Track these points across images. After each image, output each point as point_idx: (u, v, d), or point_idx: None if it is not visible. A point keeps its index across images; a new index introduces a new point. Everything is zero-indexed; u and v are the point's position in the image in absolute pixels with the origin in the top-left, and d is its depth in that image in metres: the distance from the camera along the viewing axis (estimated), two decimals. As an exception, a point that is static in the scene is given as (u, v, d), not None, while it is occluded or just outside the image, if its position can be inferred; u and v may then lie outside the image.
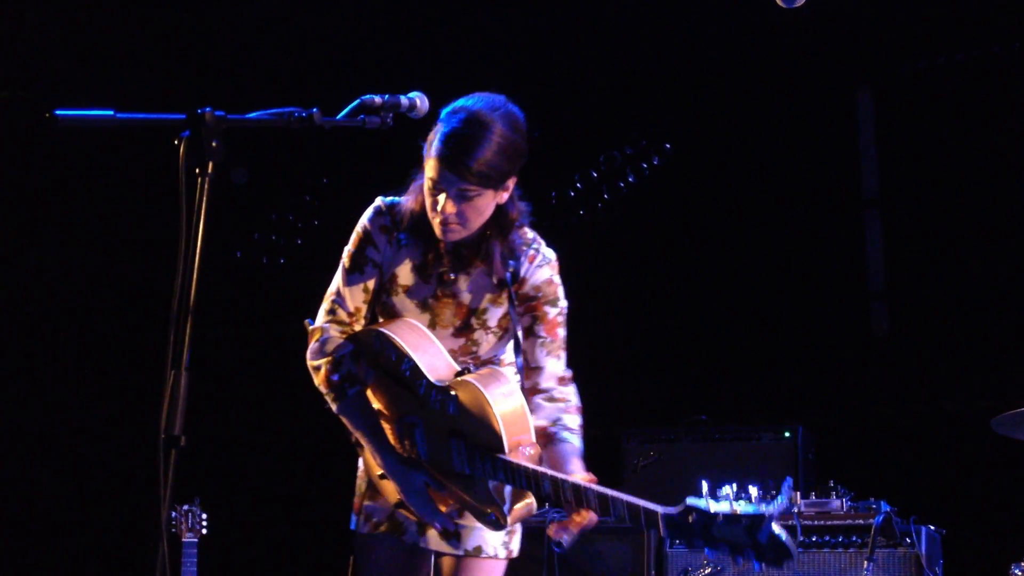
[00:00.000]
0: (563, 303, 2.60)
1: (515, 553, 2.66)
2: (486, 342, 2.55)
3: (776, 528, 2.00)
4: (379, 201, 2.63)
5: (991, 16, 4.93)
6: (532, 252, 2.56)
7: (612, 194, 5.78)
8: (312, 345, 2.59)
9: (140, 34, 5.17)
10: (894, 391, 5.13)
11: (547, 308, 2.56)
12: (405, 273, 2.56)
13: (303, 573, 5.44)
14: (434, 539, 2.58)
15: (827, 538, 3.93)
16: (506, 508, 2.37)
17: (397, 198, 2.61)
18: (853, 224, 5.36)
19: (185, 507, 4.05)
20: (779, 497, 2.15)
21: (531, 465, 2.31)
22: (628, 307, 5.67)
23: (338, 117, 2.57)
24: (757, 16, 5.16)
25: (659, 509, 2.14)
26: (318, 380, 2.57)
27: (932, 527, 3.95)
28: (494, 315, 2.55)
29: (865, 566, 3.76)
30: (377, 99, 2.61)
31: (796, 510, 3.98)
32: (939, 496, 4.50)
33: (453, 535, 2.56)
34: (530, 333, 2.54)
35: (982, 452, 4.48)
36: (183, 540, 4.01)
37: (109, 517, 5.43)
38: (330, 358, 2.53)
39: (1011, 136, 4.98)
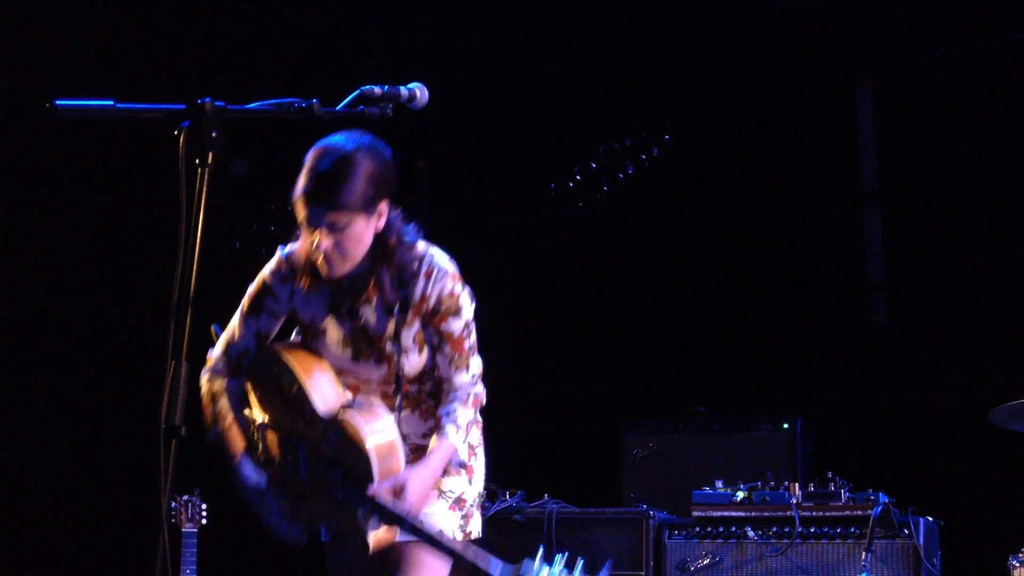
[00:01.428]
0: (467, 314, 2.65)
1: (474, 534, 2.74)
2: (411, 363, 2.62)
3: None
4: (279, 253, 2.71)
5: (991, 8, 4.93)
6: (427, 268, 2.61)
7: (611, 186, 5.78)
8: (207, 367, 2.71)
9: (140, 24, 5.16)
10: (893, 383, 5.13)
11: (451, 323, 2.62)
12: (320, 315, 2.65)
13: (302, 564, 5.44)
14: (399, 533, 2.63)
15: (825, 529, 3.93)
16: (369, 537, 2.56)
17: (295, 245, 2.68)
18: (852, 216, 5.35)
19: (185, 497, 4.05)
20: (602, 573, 2.33)
21: (394, 507, 2.46)
22: (627, 299, 5.67)
23: (338, 108, 2.56)
24: (757, 7, 5.15)
25: (495, 573, 2.36)
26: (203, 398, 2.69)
27: (930, 518, 3.96)
28: (408, 335, 2.61)
29: (863, 557, 3.77)
30: (377, 90, 2.61)
31: (794, 501, 3.99)
32: (937, 487, 4.51)
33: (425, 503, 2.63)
34: (439, 350, 2.63)
35: (980, 444, 4.49)
36: (183, 530, 4.01)
37: (110, 507, 5.44)
38: (210, 390, 2.67)
39: (1011, 128, 4.98)
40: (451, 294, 2.61)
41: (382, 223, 2.56)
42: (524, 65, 5.55)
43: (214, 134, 2.05)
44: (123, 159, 5.38)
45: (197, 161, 2.04)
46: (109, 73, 5.14)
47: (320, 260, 2.54)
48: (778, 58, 5.33)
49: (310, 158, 2.56)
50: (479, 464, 2.77)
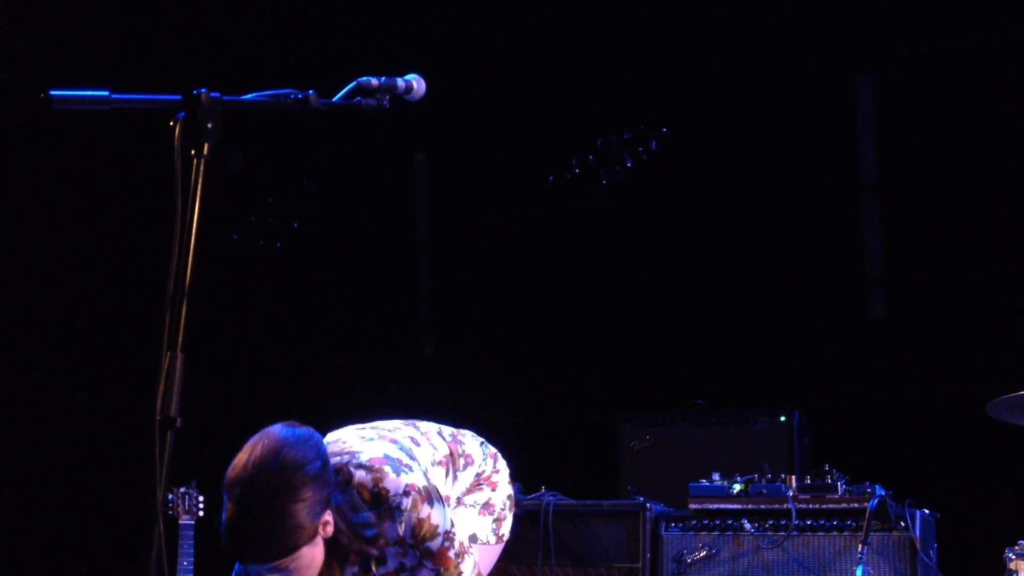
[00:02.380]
0: (444, 526, 2.44)
1: (507, 537, 2.76)
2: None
3: None
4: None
5: (990, 2, 4.92)
6: (386, 510, 2.39)
7: (610, 179, 5.78)
8: None
9: (136, 14, 5.15)
10: (890, 375, 5.13)
11: (429, 545, 2.44)
12: None
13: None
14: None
15: (822, 521, 3.94)
16: None
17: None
18: (851, 209, 5.35)
19: (182, 489, 4.05)
20: None
21: None
22: (624, 291, 5.67)
23: (334, 99, 2.56)
24: (756, 1, 5.14)
25: None
26: None
27: (926, 511, 3.96)
28: (411, 561, 2.48)
29: (859, 550, 3.77)
30: (374, 81, 2.60)
31: (791, 494, 3.99)
32: (934, 480, 4.51)
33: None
34: (421, 566, 2.48)
35: (977, 436, 4.49)
36: (180, 522, 4.02)
37: (106, 499, 5.44)
38: None
39: (1010, 122, 4.97)
40: (419, 522, 2.39)
41: (330, 530, 2.32)
42: (522, 57, 5.55)
43: (210, 125, 2.05)
44: (118, 150, 5.37)
45: (193, 152, 2.04)
46: (104, 63, 5.13)
47: None
48: (777, 51, 5.32)
49: (231, 496, 2.29)
50: (501, 477, 2.77)
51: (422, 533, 2.40)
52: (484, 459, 2.75)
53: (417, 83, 2.65)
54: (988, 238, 5.02)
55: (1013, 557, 3.44)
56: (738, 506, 4.04)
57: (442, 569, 2.47)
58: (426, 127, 5.85)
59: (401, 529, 2.40)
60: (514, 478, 4.39)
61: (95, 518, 5.51)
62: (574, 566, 4.12)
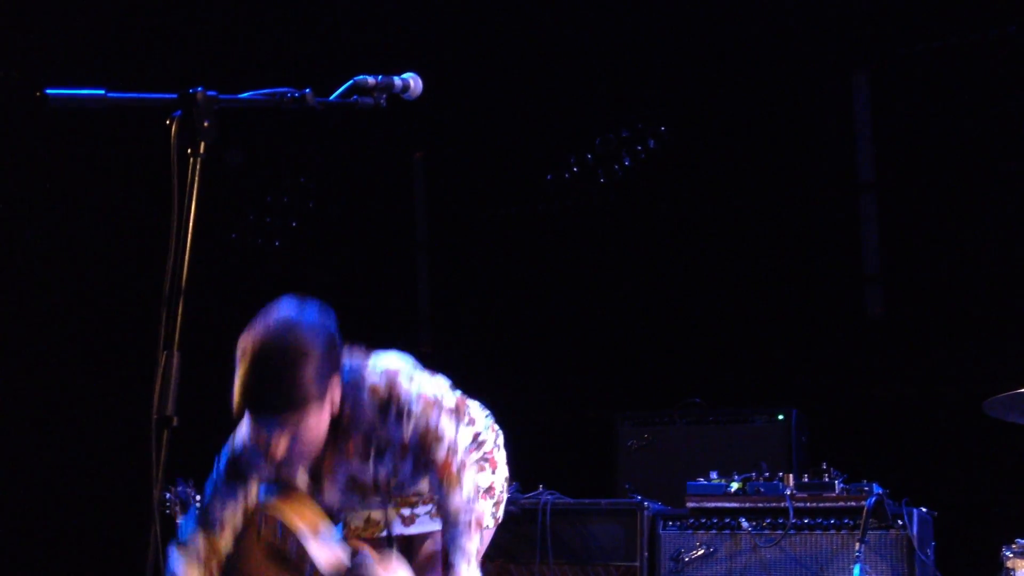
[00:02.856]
0: (449, 435, 2.51)
1: (499, 519, 2.82)
2: (416, 485, 2.59)
3: None
4: (231, 449, 2.59)
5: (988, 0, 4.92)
6: (396, 409, 2.47)
7: (608, 177, 5.78)
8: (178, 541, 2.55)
9: (132, 12, 5.14)
10: (888, 374, 5.14)
11: (434, 452, 2.50)
12: (311, 480, 2.55)
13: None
14: (425, 522, 2.70)
15: (819, 520, 3.94)
16: None
17: (240, 442, 2.56)
18: (848, 207, 5.35)
19: (179, 488, 4.05)
20: None
21: None
22: (622, 290, 5.68)
23: (331, 98, 2.56)
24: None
25: None
26: None
27: (924, 509, 3.96)
28: (405, 467, 2.53)
29: (857, 548, 3.77)
30: (370, 80, 2.60)
31: (788, 492, 3.99)
32: (931, 478, 4.51)
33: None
34: (427, 473, 2.53)
35: (975, 435, 4.49)
36: (177, 521, 4.01)
37: (104, 498, 5.44)
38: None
39: (1007, 120, 4.97)
40: (427, 427, 2.47)
41: (337, 399, 2.42)
42: (520, 56, 5.55)
43: (206, 124, 2.04)
44: (115, 149, 5.37)
45: (189, 151, 2.04)
46: (100, 62, 5.12)
47: (281, 459, 2.42)
48: (774, 50, 5.32)
49: (243, 356, 2.39)
50: (500, 455, 2.82)
51: (428, 439, 2.46)
52: (487, 428, 2.77)
53: (414, 82, 2.65)
54: (986, 236, 5.02)
55: (1010, 555, 3.44)
56: (736, 504, 4.04)
57: (446, 477, 2.50)
58: (424, 126, 5.85)
59: (408, 433, 2.46)
60: (512, 476, 4.42)
61: (92, 517, 5.51)
62: (572, 565, 4.12)
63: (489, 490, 2.75)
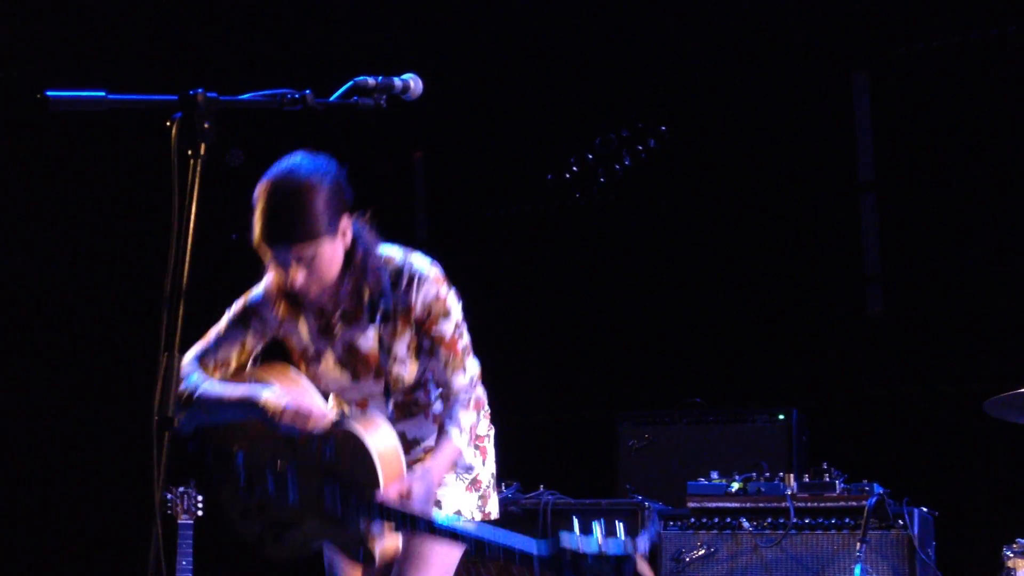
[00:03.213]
0: (456, 315, 2.61)
1: (493, 515, 2.74)
2: (407, 372, 2.60)
3: (641, 567, 2.14)
4: (249, 297, 2.67)
5: (988, -1, 4.92)
6: (408, 275, 2.58)
7: (608, 177, 5.78)
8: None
9: (132, 14, 5.14)
10: (888, 373, 5.13)
11: (442, 326, 2.59)
12: (310, 342, 2.63)
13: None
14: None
15: (820, 520, 3.94)
16: (376, 549, 2.48)
17: (260, 290, 2.65)
18: (848, 207, 5.35)
19: (181, 489, 4.05)
20: (644, 535, 2.26)
21: (404, 508, 2.43)
22: (622, 290, 5.67)
23: (331, 99, 2.56)
24: (753, -1, 5.15)
25: (532, 551, 2.25)
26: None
27: (925, 509, 3.96)
28: (401, 345, 2.59)
29: (858, 548, 3.77)
30: (371, 80, 2.61)
31: (789, 492, 3.99)
32: (932, 478, 4.51)
33: (434, 503, 2.63)
34: (432, 354, 2.60)
35: (975, 435, 4.49)
36: (179, 522, 4.02)
37: (105, 499, 5.44)
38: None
39: (1007, 119, 4.97)
40: (437, 297, 2.58)
41: (348, 239, 2.55)
42: (520, 55, 5.54)
43: (206, 125, 2.05)
44: (115, 150, 5.37)
45: (189, 152, 2.04)
46: (101, 63, 5.12)
47: (300, 289, 2.52)
48: (774, 49, 5.32)
49: (259, 197, 2.52)
50: (491, 446, 2.79)
51: (435, 309, 2.55)
52: (483, 415, 2.75)
53: (414, 82, 2.65)
54: (986, 235, 5.02)
55: (1011, 555, 3.45)
56: (736, 505, 4.05)
57: (451, 356, 2.58)
58: (424, 126, 5.84)
59: (417, 301, 2.55)
60: (512, 477, 4.43)
61: (93, 518, 5.51)
62: (573, 565, 4.12)
63: (475, 483, 2.73)
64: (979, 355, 4.87)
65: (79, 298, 5.66)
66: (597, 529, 2.20)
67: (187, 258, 1.97)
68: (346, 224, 2.54)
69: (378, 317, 2.57)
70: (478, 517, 2.70)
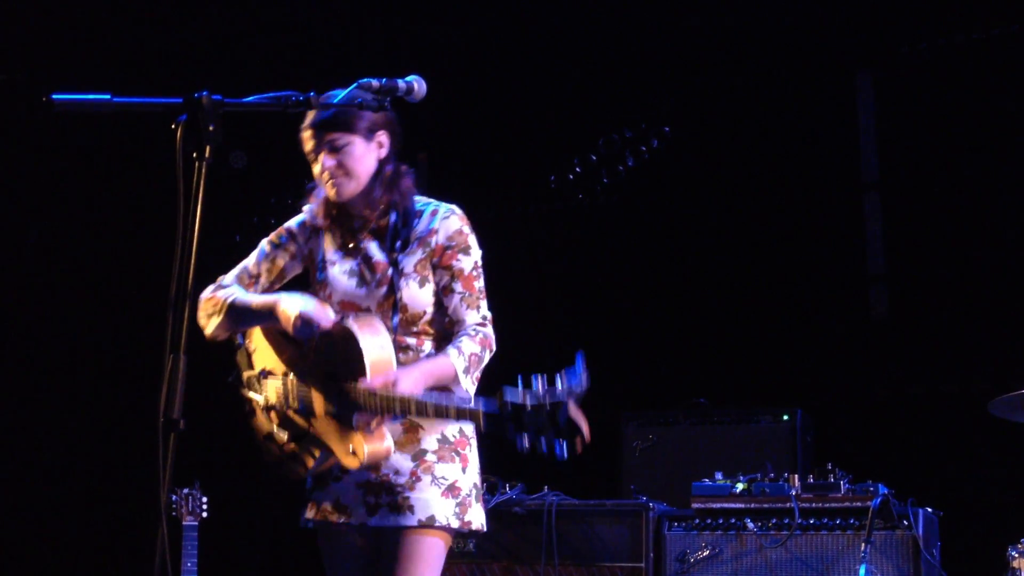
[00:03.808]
0: (476, 252, 2.72)
1: (475, 525, 2.69)
2: (410, 292, 2.67)
3: (572, 411, 2.31)
4: (304, 211, 2.84)
5: (991, -2, 4.92)
6: (433, 207, 2.74)
7: (611, 177, 5.78)
8: (215, 284, 2.83)
9: (138, 17, 5.15)
10: (893, 374, 5.13)
11: (461, 259, 2.69)
12: (330, 253, 2.75)
13: (304, 556, 5.46)
14: (387, 516, 2.63)
15: (824, 520, 3.94)
16: (366, 447, 2.53)
17: (298, 217, 2.85)
18: (852, 207, 5.35)
19: (185, 490, 4.06)
20: (575, 379, 2.39)
21: (382, 391, 2.47)
22: (626, 291, 5.67)
23: (335, 101, 2.58)
24: (757, -1, 5.14)
25: (481, 408, 2.39)
26: (203, 306, 2.79)
27: (929, 509, 3.96)
28: (409, 261, 2.68)
29: (862, 549, 3.77)
30: (374, 83, 2.63)
31: (794, 493, 3.99)
32: (937, 478, 4.51)
33: (405, 507, 2.62)
34: (449, 290, 2.68)
35: (980, 435, 4.49)
36: (184, 523, 4.02)
37: (111, 500, 5.45)
38: (216, 300, 2.78)
39: (1011, 119, 4.97)
40: (460, 231, 2.70)
41: (383, 153, 2.70)
42: (523, 56, 5.55)
43: (211, 128, 2.06)
44: (121, 152, 5.38)
45: (194, 155, 2.05)
46: (106, 66, 5.13)
47: (328, 184, 2.67)
48: (778, 49, 5.32)
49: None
50: (473, 454, 2.74)
51: (456, 241, 2.68)
52: (485, 351, 2.76)
53: (418, 84, 2.67)
54: (990, 235, 5.01)
55: (1016, 555, 3.45)
56: (741, 505, 4.04)
57: (467, 292, 2.67)
58: (428, 127, 5.85)
59: (440, 226, 2.69)
60: (517, 478, 4.42)
61: (100, 519, 5.52)
62: (577, 566, 4.12)
63: (453, 489, 2.66)
64: (984, 355, 4.86)
65: (84, 300, 5.67)
66: (537, 382, 2.36)
67: (192, 260, 1.98)
68: (384, 139, 2.70)
69: (401, 233, 2.69)
70: (455, 524, 2.64)
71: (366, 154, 2.68)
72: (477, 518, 2.70)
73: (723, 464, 4.25)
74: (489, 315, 2.72)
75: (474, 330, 2.67)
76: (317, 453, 2.65)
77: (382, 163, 2.71)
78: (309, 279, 2.81)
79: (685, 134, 5.63)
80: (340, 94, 2.63)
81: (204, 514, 4.07)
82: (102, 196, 5.59)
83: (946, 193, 5.11)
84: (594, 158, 5.81)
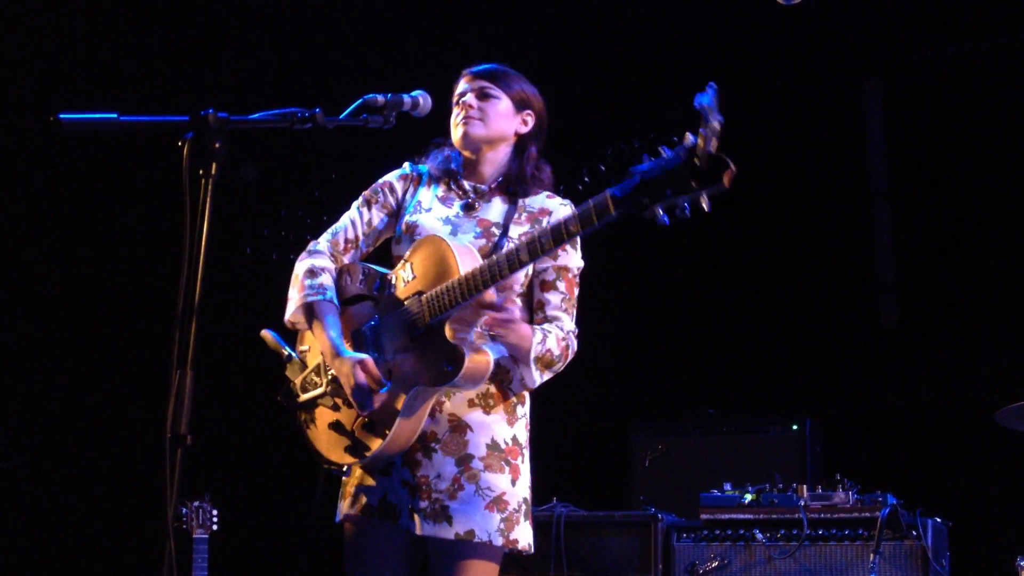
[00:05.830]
0: (579, 260, 2.65)
1: (521, 544, 2.52)
2: (513, 265, 2.48)
3: (713, 147, 2.12)
4: (405, 164, 2.81)
5: (999, 6, 4.91)
6: (549, 194, 2.69)
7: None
8: (306, 249, 2.77)
9: (144, 35, 5.19)
10: (902, 383, 5.11)
11: (570, 256, 2.62)
12: (429, 200, 2.70)
13: (314, 568, 5.47)
14: (422, 524, 2.47)
15: (833, 531, 3.93)
16: (465, 360, 2.38)
17: (423, 164, 2.80)
18: (861, 215, 5.34)
19: (196, 503, 4.07)
20: (704, 124, 2.20)
21: (481, 271, 2.38)
22: (635, 301, 5.67)
23: (341, 117, 2.59)
24: (764, 6, 5.14)
25: (607, 191, 2.33)
26: (296, 274, 2.74)
27: (938, 519, 3.95)
28: (516, 230, 2.62)
29: (871, 559, 3.76)
30: (380, 98, 2.63)
31: (802, 503, 3.99)
32: (946, 488, 4.49)
33: (443, 516, 2.46)
34: (550, 286, 2.61)
35: (989, 444, 4.47)
36: (194, 536, 4.03)
37: (122, 514, 5.47)
38: (311, 263, 2.69)
39: (1020, 127, 4.96)
40: (570, 227, 2.45)
41: (524, 130, 2.69)
42: (530, 66, 5.55)
43: (217, 145, 2.07)
44: (128, 169, 5.41)
45: (201, 172, 2.06)
46: (113, 84, 5.17)
47: (460, 123, 2.66)
48: (786, 57, 5.32)
49: None
50: (525, 466, 2.57)
51: (571, 233, 2.42)
52: (562, 358, 2.62)
53: (423, 99, 2.67)
54: (999, 243, 5.00)
55: (1026, 565, 3.43)
56: (750, 516, 4.04)
57: (568, 294, 2.60)
58: (436, 139, 5.86)
59: (555, 209, 2.62)
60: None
61: (111, 533, 5.54)
62: (586, 577, 4.12)
63: (500, 502, 2.48)
64: (993, 364, 4.84)
65: (92, 316, 5.70)
66: (664, 149, 2.22)
67: (199, 276, 1.99)
68: (530, 119, 2.70)
69: (518, 219, 2.61)
70: (498, 542, 2.46)
71: (508, 116, 2.67)
72: (524, 537, 2.52)
73: (732, 474, 4.25)
74: (576, 329, 2.62)
75: (563, 333, 2.55)
76: (395, 408, 2.44)
77: (523, 139, 2.70)
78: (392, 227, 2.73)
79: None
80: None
81: (215, 527, 4.08)
82: (110, 213, 5.62)
83: (955, 201, 5.10)
84: (603, 168, 5.82)
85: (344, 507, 2.61)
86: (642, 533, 4.09)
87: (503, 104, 2.67)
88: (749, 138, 5.56)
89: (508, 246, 2.46)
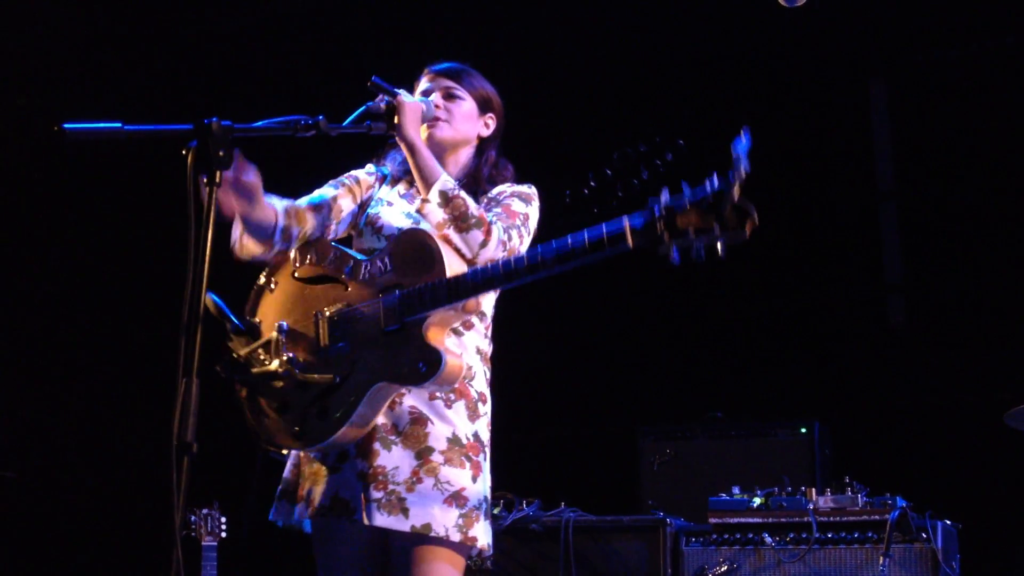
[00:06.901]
0: (532, 211, 2.70)
1: (480, 543, 2.45)
2: None
3: (736, 194, 2.09)
4: (368, 165, 2.84)
5: (1005, 6, 4.90)
6: (511, 181, 2.76)
7: (626, 191, 5.77)
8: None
9: (148, 43, 5.20)
10: (911, 385, 5.10)
11: (512, 200, 2.69)
12: (389, 195, 2.72)
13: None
14: (376, 514, 2.41)
15: (843, 534, 3.91)
16: (443, 359, 2.35)
17: (384, 166, 2.82)
18: (868, 216, 5.33)
19: (204, 511, 4.07)
20: (733, 169, 2.16)
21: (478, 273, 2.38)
22: (642, 304, 5.67)
23: (343, 124, 2.60)
24: (770, 7, 5.13)
25: (623, 225, 2.26)
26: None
27: (948, 522, 3.93)
28: None
29: (881, 562, 3.75)
30: (383, 105, 2.64)
31: (812, 507, 3.97)
32: (955, 490, 4.47)
33: (399, 508, 2.40)
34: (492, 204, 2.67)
35: (999, 446, 4.45)
36: (203, 544, 4.03)
37: (131, 523, 5.48)
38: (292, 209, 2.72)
39: (1027, 127, 4.95)
40: (526, 189, 2.72)
41: (485, 133, 2.75)
42: (535, 71, 5.56)
43: (221, 153, 2.08)
44: (133, 177, 5.42)
45: (205, 180, 2.07)
46: (117, 93, 5.18)
47: (431, 121, 2.67)
48: (792, 58, 5.31)
49: None
50: (486, 465, 2.53)
51: (517, 191, 2.70)
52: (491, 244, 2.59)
53: (427, 106, 2.69)
54: (1007, 243, 4.98)
55: (1037, 567, 3.41)
56: (759, 520, 4.03)
57: (503, 213, 2.62)
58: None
59: (510, 185, 2.73)
60: (533, 494, 4.42)
61: (117, 542, 5.54)
62: (595, 582, 4.11)
63: (458, 497, 2.42)
64: (1002, 365, 4.82)
65: (98, 325, 5.71)
66: (685, 187, 2.17)
67: (204, 284, 1.99)
68: (491, 122, 2.76)
69: (477, 192, 2.67)
70: (458, 538, 2.39)
71: (471, 118, 2.71)
72: (483, 536, 2.45)
73: (740, 478, 4.24)
74: (509, 241, 2.56)
75: (495, 223, 2.54)
76: (354, 398, 2.38)
77: (484, 142, 2.75)
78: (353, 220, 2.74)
79: (700, 146, 5.61)
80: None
81: (223, 534, 4.08)
82: (115, 221, 5.63)
83: (962, 201, 5.08)
84: (609, 172, 5.81)
85: (298, 510, 2.54)
86: (651, 538, 4.08)
87: (467, 105, 2.71)
88: (755, 141, 5.54)
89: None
